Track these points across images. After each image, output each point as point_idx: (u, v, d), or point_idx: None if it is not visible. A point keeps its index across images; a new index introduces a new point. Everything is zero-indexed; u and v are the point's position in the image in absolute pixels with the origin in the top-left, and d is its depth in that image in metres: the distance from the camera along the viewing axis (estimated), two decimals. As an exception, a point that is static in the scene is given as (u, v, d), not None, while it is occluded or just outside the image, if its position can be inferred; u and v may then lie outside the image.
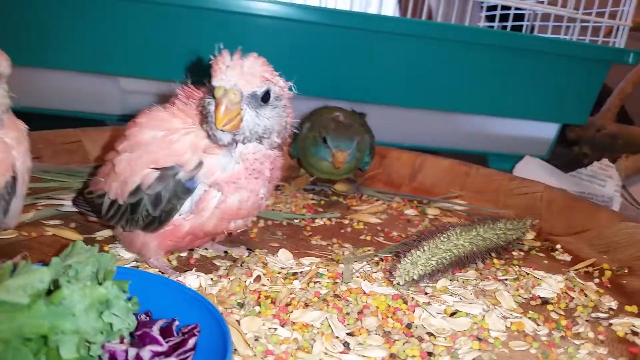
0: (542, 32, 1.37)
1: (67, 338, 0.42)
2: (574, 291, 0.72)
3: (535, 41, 1.24)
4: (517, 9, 1.34)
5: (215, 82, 0.59)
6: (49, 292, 0.44)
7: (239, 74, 0.59)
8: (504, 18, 1.39)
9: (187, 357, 0.47)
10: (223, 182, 0.63)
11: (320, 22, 1.10)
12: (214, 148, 0.63)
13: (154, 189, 0.63)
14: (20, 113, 0.66)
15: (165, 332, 0.49)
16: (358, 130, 0.99)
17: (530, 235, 0.90)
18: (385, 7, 1.24)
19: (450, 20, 1.22)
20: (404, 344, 0.57)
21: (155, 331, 0.48)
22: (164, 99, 0.71)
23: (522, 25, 1.40)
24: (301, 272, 0.70)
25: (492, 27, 1.41)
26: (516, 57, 1.21)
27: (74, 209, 0.80)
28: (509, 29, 1.35)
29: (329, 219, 0.91)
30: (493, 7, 1.44)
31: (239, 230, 0.72)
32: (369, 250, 0.79)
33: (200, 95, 0.67)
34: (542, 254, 0.84)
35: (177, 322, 0.51)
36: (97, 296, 0.43)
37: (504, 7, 1.38)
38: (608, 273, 0.78)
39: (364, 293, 0.66)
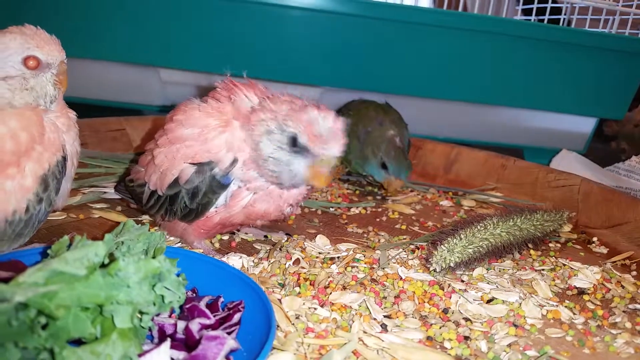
0: (580, 26, 1.35)
1: (121, 308, 0.44)
2: (611, 282, 0.72)
3: (573, 34, 1.22)
4: (554, 2, 1.33)
5: (331, 152, 0.62)
6: (102, 266, 0.46)
7: (341, 143, 0.63)
8: (541, 12, 1.38)
9: (233, 330, 0.49)
10: (256, 187, 0.66)
11: (355, 14, 1.11)
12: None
13: (192, 183, 0.65)
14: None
15: (212, 307, 0.51)
16: (400, 129, 1.01)
17: (567, 227, 0.89)
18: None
19: (486, 14, 1.21)
20: (440, 328, 0.58)
21: (202, 305, 0.50)
22: (203, 91, 0.72)
23: (559, 19, 1.38)
24: (338, 257, 0.71)
25: (529, 20, 1.40)
26: (553, 50, 1.20)
27: (117, 196, 0.83)
28: (546, 22, 1.34)
29: (364, 208, 0.92)
30: (530, 1, 1.42)
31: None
32: (404, 239, 0.80)
33: (240, 93, 0.68)
34: (578, 246, 0.84)
35: (222, 299, 0.53)
36: (150, 269, 0.45)
37: (541, 1, 1.36)
38: (646, 266, 0.78)
39: (401, 278, 0.67)
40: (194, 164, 0.65)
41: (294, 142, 0.62)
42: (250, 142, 0.64)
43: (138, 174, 0.74)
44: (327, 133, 0.62)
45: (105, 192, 0.85)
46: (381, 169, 0.96)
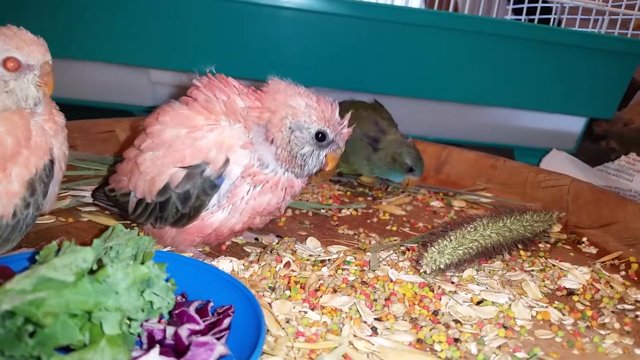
0: (570, 26, 1.36)
1: (110, 315, 0.44)
2: (600, 283, 0.72)
3: (563, 34, 1.23)
4: (544, 2, 1.33)
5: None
6: (91, 272, 0.46)
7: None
8: (531, 11, 1.38)
9: (222, 336, 0.49)
10: (262, 179, 0.66)
11: (345, 14, 1.11)
12: (249, 144, 0.65)
13: (183, 188, 0.64)
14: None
15: (201, 312, 0.51)
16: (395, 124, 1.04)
17: (557, 227, 0.90)
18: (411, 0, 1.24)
19: (477, 14, 1.22)
20: (430, 330, 0.58)
21: (192, 311, 0.50)
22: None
23: (549, 19, 1.39)
24: (329, 259, 0.71)
25: (520, 20, 1.41)
26: (543, 50, 1.21)
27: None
28: (536, 22, 1.34)
29: (355, 210, 0.92)
30: (520, 0, 1.43)
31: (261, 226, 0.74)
32: (395, 240, 0.80)
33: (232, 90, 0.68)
34: (568, 247, 0.85)
35: (211, 304, 0.53)
36: (139, 275, 0.44)
37: (532, 0, 1.37)
38: (635, 266, 0.78)
39: (391, 281, 0.67)
40: (184, 167, 0.64)
41: (319, 137, 0.66)
42: (272, 139, 0.65)
43: (120, 183, 0.71)
44: (342, 124, 0.68)
45: (84, 197, 0.82)
46: (406, 173, 1.00)
